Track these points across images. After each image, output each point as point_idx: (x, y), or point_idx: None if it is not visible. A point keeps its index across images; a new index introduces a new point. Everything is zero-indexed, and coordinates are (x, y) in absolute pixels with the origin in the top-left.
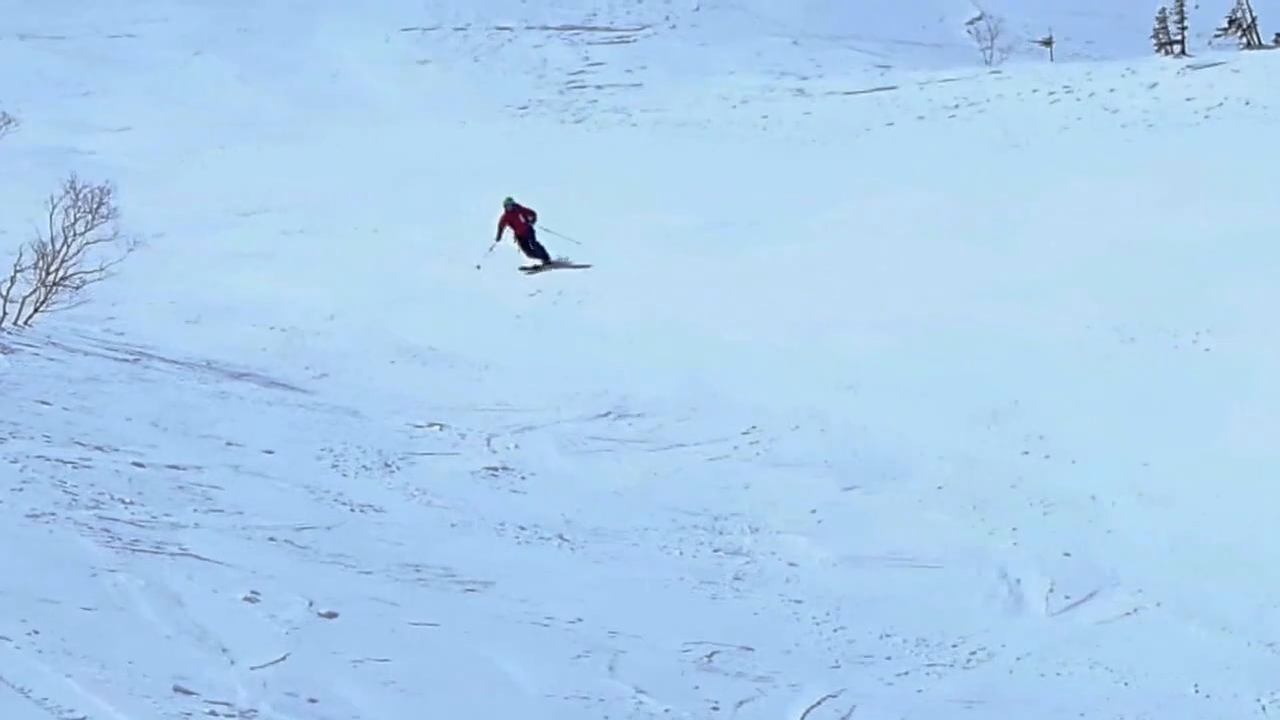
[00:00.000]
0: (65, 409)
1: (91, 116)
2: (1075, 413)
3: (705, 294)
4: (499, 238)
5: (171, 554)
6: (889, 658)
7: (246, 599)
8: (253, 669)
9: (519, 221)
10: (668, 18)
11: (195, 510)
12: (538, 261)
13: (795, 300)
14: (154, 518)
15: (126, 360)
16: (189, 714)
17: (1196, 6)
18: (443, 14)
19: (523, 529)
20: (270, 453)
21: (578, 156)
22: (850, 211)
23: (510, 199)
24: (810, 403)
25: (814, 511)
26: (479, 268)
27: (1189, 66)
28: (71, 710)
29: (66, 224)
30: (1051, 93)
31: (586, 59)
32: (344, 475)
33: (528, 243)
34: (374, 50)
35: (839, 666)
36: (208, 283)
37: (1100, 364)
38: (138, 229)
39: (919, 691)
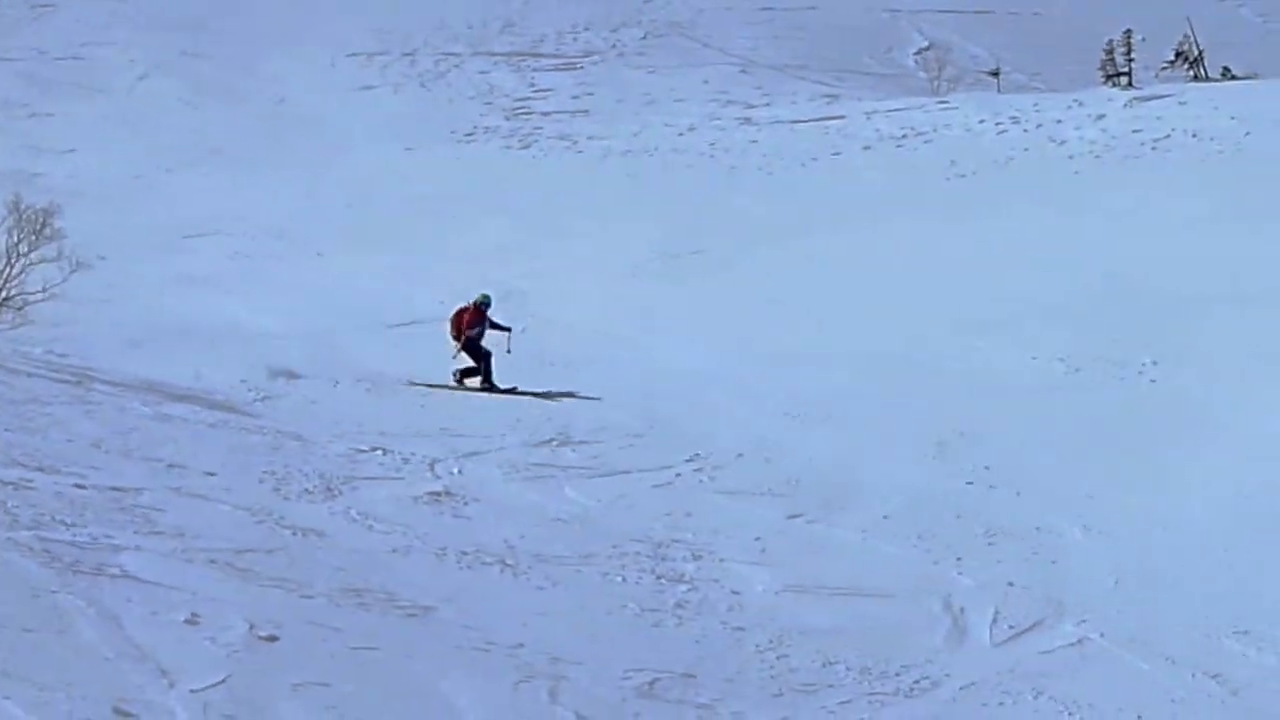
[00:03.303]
0: (7, 430)
1: (39, 139)
2: (1021, 444)
3: (651, 322)
4: (460, 336)
5: (112, 575)
6: (832, 686)
7: (187, 621)
8: (193, 691)
9: (476, 323)
10: (615, 45)
11: (136, 532)
12: (477, 379)
13: (742, 329)
14: (95, 539)
15: (69, 382)
16: None
17: (1143, 39)
18: (389, 40)
19: (465, 554)
20: (212, 475)
21: (524, 183)
22: (798, 241)
23: (487, 297)
24: (756, 431)
25: (758, 539)
26: (509, 352)
27: (1136, 99)
28: None
29: (10, 244)
30: (999, 123)
31: (533, 85)
32: (286, 498)
33: (477, 349)
34: (320, 75)
35: (782, 695)
36: (152, 305)
37: (1046, 395)
38: (82, 250)
39: None
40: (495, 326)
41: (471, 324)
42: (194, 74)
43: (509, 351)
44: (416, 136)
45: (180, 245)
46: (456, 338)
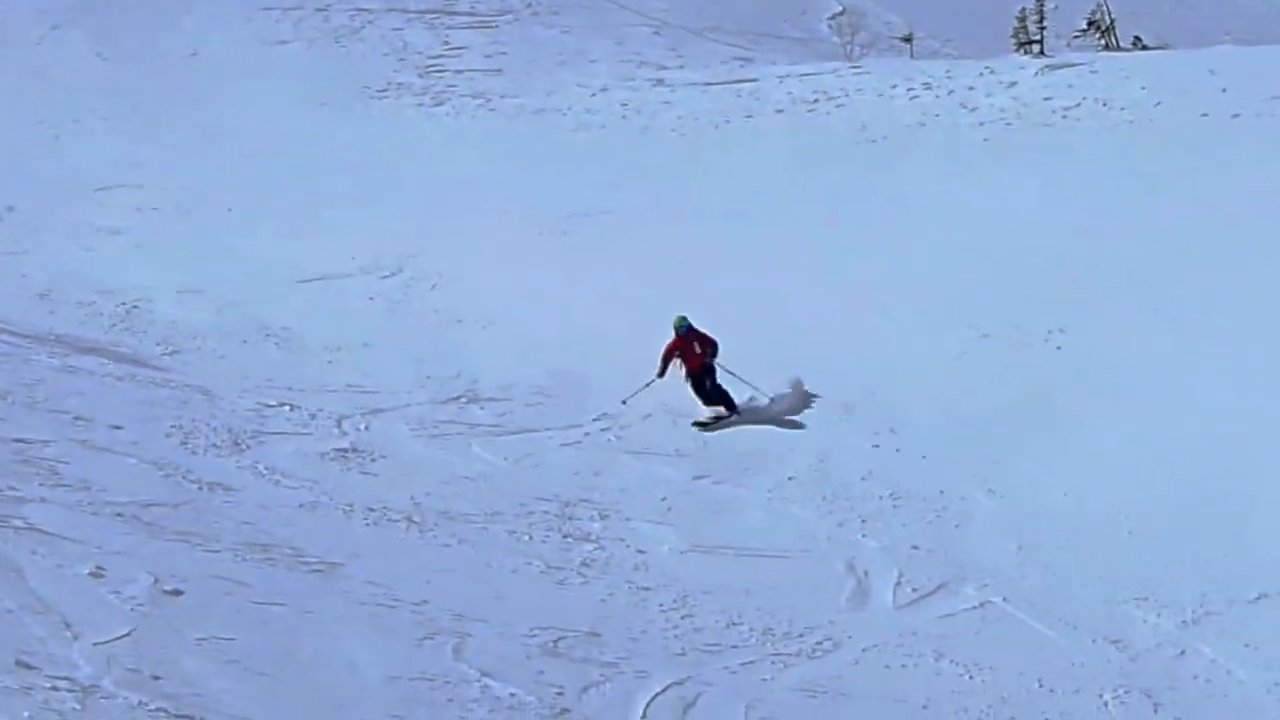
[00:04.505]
0: None
1: None
2: (928, 409)
3: (561, 281)
4: (662, 372)
5: (16, 528)
6: (735, 647)
7: (91, 574)
8: (96, 645)
9: (693, 353)
10: (529, 4)
11: (41, 484)
12: (719, 411)
13: (652, 290)
14: None
15: None
16: (30, 688)
17: (1055, 7)
18: None
19: (371, 511)
20: (119, 429)
21: (437, 141)
22: (709, 203)
23: (684, 319)
24: (664, 392)
25: (664, 500)
26: (625, 403)
27: (1048, 66)
28: None
29: None
30: (911, 89)
31: (447, 43)
32: (193, 453)
33: (703, 383)
34: (235, 29)
35: (685, 654)
36: (61, 257)
37: (954, 360)
38: None
39: (764, 680)
40: (703, 340)
41: (691, 356)
42: (106, 26)
43: (728, 370)
44: (329, 92)
45: (90, 198)
46: (661, 374)
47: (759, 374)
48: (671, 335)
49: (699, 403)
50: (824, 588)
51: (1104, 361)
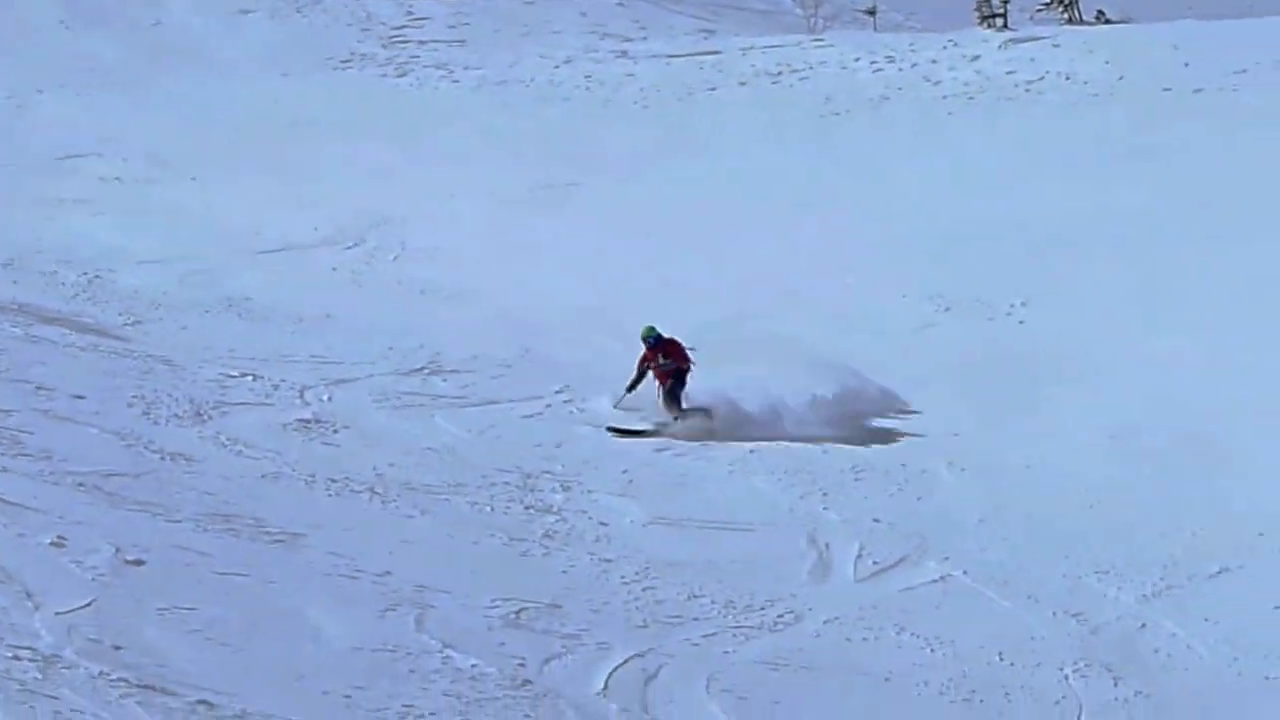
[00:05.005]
0: None
1: None
2: (890, 380)
3: (524, 253)
4: (636, 383)
5: None
6: (697, 619)
7: (53, 544)
8: (58, 614)
9: (658, 368)
10: None
11: (3, 454)
12: (698, 409)
13: (616, 262)
14: None
15: None
16: None
17: None
18: None
19: (334, 482)
20: (81, 398)
21: (400, 112)
22: (673, 176)
23: (652, 329)
24: (628, 363)
25: (626, 472)
26: (616, 406)
27: (1011, 40)
28: None
29: None
30: (874, 62)
31: (410, 13)
32: (155, 423)
33: (675, 393)
34: None
35: (647, 626)
36: (22, 226)
37: (917, 334)
38: None
39: (726, 653)
40: (673, 353)
41: (658, 372)
42: None
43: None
44: (293, 62)
45: (55, 168)
46: (635, 384)
47: (716, 344)
48: (642, 349)
49: (670, 413)
50: (786, 561)
51: (1067, 334)
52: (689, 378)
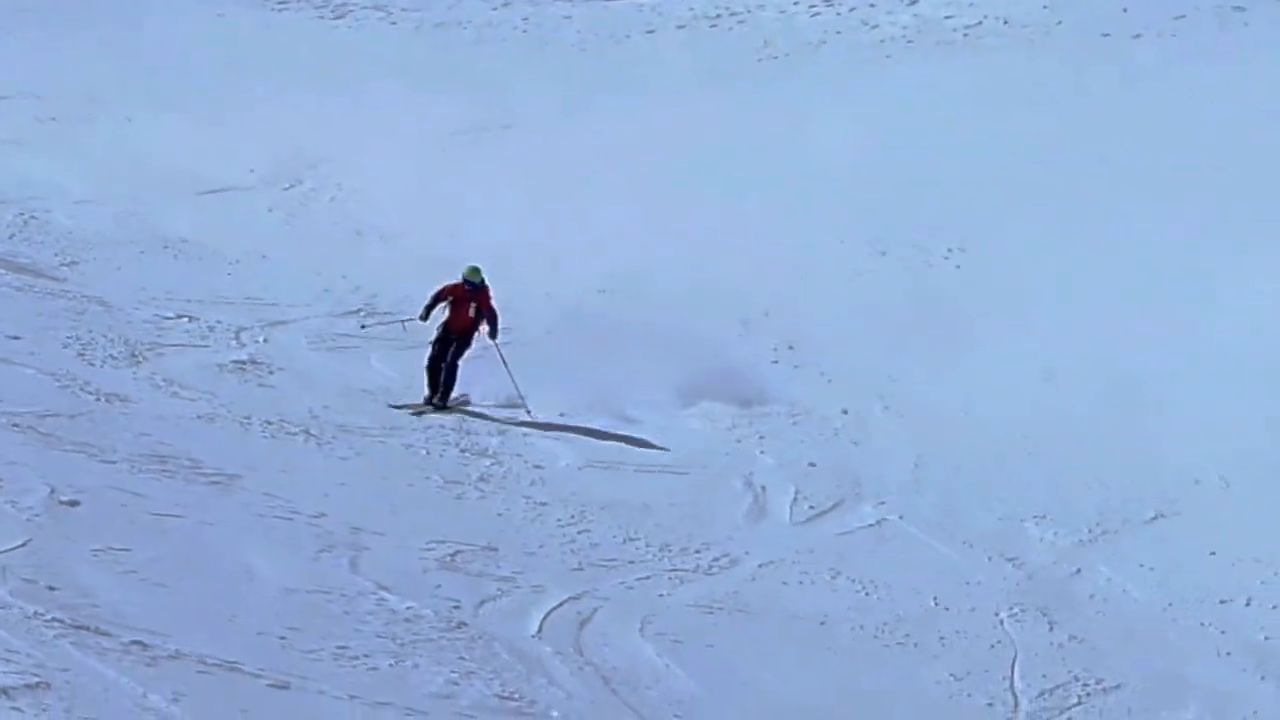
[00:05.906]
0: None
1: None
2: (826, 324)
3: (461, 195)
4: (425, 314)
5: None
6: (632, 562)
7: None
8: None
9: (464, 312)
10: None
11: None
12: (431, 397)
13: (552, 204)
14: None
15: None
16: None
17: None
18: None
19: (269, 423)
20: (16, 339)
21: (337, 54)
22: (609, 119)
23: (476, 270)
24: (565, 306)
25: (562, 415)
26: (364, 329)
27: None
28: None
29: None
30: (813, 6)
31: None
32: (90, 364)
33: (448, 350)
34: None
35: (582, 569)
36: None
37: (852, 277)
38: None
39: (661, 596)
40: (484, 302)
41: (461, 314)
42: None
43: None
44: (227, 4)
45: None
46: (426, 315)
47: (654, 287)
48: (453, 281)
49: (425, 375)
50: (721, 504)
51: (1003, 279)
52: (474, 342)
